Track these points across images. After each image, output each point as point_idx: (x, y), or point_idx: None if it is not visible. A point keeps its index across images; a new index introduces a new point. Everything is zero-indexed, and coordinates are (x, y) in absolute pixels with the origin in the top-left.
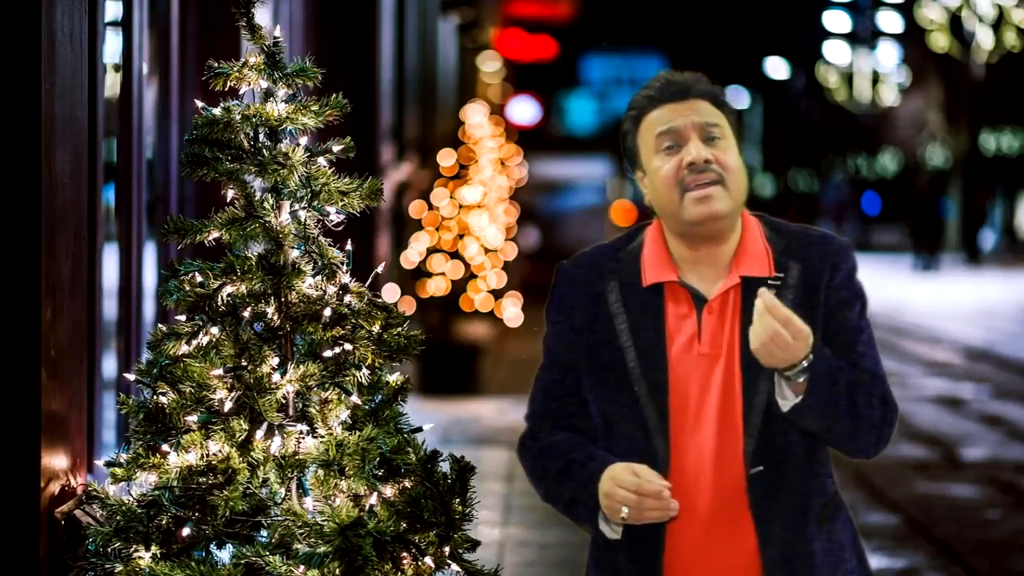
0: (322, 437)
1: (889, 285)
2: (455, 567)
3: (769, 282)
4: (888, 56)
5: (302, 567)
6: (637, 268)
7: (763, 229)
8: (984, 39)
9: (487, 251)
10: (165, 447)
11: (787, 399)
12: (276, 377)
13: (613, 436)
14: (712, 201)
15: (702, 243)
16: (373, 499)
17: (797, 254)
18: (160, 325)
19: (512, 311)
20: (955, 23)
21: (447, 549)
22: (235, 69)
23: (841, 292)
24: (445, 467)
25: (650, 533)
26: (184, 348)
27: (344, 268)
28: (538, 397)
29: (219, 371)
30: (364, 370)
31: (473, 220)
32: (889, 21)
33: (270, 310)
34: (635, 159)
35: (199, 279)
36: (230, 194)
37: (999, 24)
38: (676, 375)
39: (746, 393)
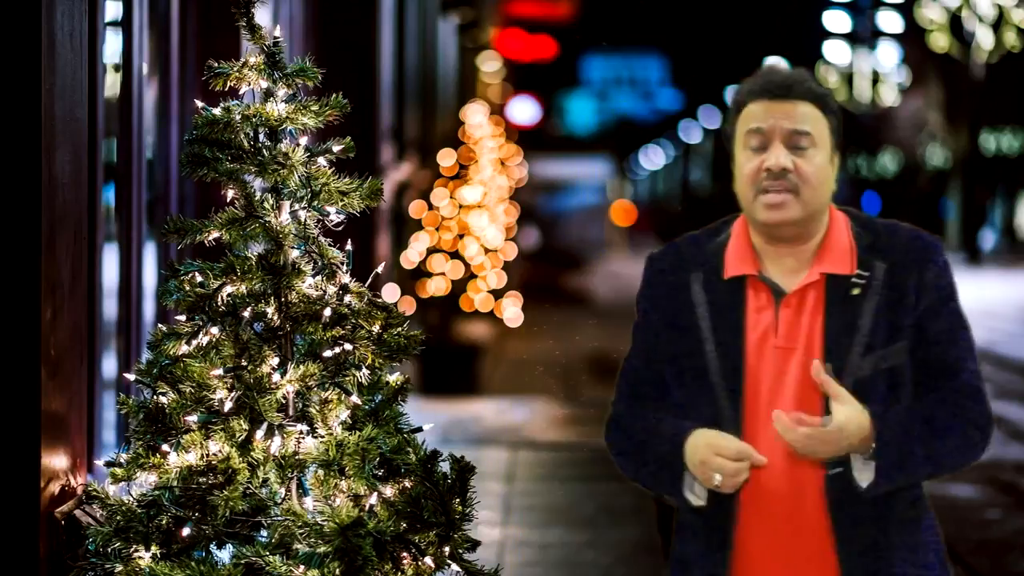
0: (322, 437)
1: None
2: (455, 567)
3: (852, 279)
4: (888, 56)
5: (302, 567)
6: (721, 260)
7: (851, 225)
8: (984, 39)
9: (487, 251)
10: (165, 447)
11: (865, 472)
12: (276, 377)
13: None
14: (782, 209)
15: (779, 242)
16: (373, 499)
17: (883, 252)
18: (160, 325)
19: (512, 311)
20: (955, 23)
21: (447, 549)
22: (235, 69)
23: (932, 294)
24: (445, 467)
25: (723, 522)
26: (184, 348)
27: (344, 268)
28: (623, 385)
29: (219, 371)
30: (364, 370)
31: (473, 220)
32: (889, 21)
33: (270, 310)
34: (730, 145)
35: (199, 279)
36: (230, 194)
37: (999, 24)
38: (751, 367)
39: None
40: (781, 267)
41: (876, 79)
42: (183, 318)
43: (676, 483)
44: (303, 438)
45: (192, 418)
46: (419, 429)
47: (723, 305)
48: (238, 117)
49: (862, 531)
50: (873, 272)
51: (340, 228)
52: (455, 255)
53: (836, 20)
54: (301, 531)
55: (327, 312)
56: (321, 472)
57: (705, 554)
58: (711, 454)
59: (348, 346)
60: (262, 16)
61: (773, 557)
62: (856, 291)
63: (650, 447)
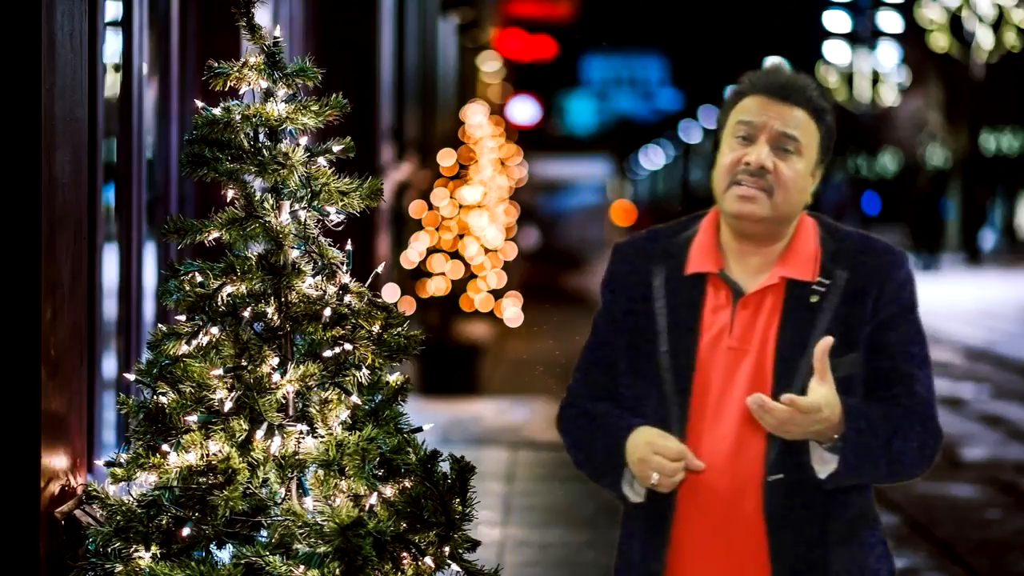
0: (322, 437)
1: None
2: (455, 567)
3: (812, 287)
4: (888, 56)
5: (302, 567)
6: (685, 256)
7: (819, 233)
8: (984, 39)
9: (487, 251)
10: (165, 447)
11: (826, 464)
12: (276, 377)
13: (637, 418)
14: (751, 202)
15: (745, 239)
16: (373, 499)
17: (846, 261)
18: (160, 325)
19: (512, 311)
20: (955, 23)
21: (447, 549)
22: (235, 69)
23: (891, 306)
24: (445, 467)
25: (661, 517)
26: (184, 348)
27: (344, 268)
28: (577, 373)
29: (219, 371)
30: (364, 370)
31: (473, 220)
32: (889, 21)
33: (270, 310)
34: (719, 132)
35: (199, 279)
36: (230, 194)
37: (999, 24)
38: (702, 365)
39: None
40: (745, 267)
41: (876, 79)
42: (183, 318)
43: (616, 478)
44: (303, 438)
45: (192, 418)
46: (419, 429)
47: (681, 301)
48: (238, 117)
49: (797, 539)
50: (834, 281)
51: (340, 228)
52: (455, 255)
53: (836, 20)
54: (301, 531)
55: (327, 312)
56: (321, 472)
57: (643, 550)
58: (650, 452)
59: (348, 346)
60: (262, 16)
61: (709, 557)
62: (814, 299)
63: (595, 439)
